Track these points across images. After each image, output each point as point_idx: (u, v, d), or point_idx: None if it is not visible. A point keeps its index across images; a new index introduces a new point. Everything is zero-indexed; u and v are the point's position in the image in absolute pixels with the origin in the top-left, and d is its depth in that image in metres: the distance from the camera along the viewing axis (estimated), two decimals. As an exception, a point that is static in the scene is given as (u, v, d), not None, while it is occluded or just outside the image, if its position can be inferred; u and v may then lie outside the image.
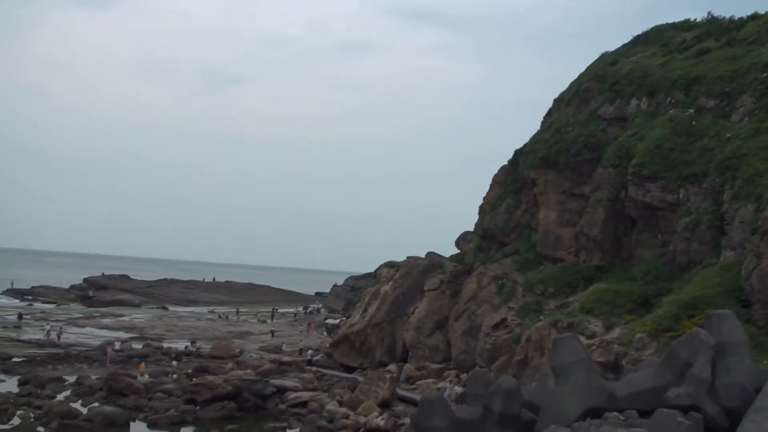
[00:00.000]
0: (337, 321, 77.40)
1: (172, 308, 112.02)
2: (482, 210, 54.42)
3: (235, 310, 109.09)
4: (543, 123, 55.12)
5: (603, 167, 44.51)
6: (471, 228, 56.82)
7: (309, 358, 56.62)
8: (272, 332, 79.39)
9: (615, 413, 19.69)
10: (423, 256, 57.11)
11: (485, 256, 51.75)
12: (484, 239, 53.40)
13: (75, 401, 39.96)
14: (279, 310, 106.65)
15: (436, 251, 57.98)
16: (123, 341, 63.77)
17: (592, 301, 38.04)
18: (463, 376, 42.97)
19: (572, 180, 47.08)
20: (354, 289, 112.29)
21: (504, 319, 43.48)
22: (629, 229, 43.17)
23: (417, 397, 37.12)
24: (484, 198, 54.98)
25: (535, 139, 51.70)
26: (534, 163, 48.99)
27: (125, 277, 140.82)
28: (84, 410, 37.34)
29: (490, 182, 55.47)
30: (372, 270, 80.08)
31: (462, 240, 59.39)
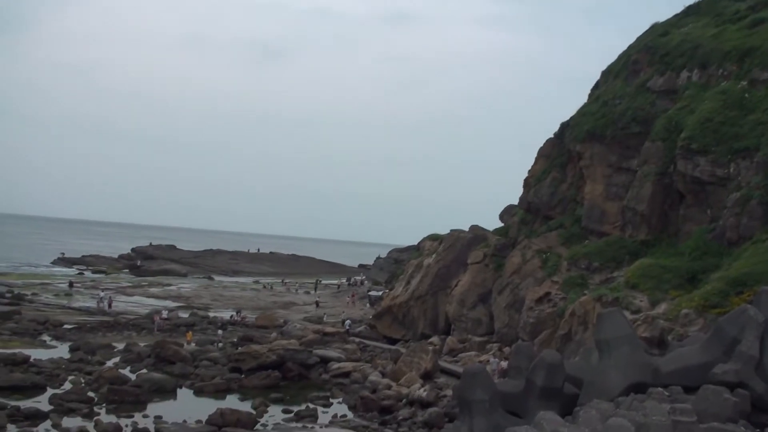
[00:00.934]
0: (380, 293, 77.80)
1: (217, 278, 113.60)
2: (527, 183, 53.89)
3: (280, 280, 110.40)
4: (590, 95, 54.24)
5: (651, 141, 43.70)
6: (516, 202, 56.42)
7: (347, 328, 57.11)
8: (317, 303, 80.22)
9: (659, 389, 19.49)
10: (467, 229, 56.95)
11: (529, 229, 51.37)
12: (529, 213, 52.97)
13: (124, 367, 40.92)
14: (323, 282, 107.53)
15: (480, 225, 57.81)
16: (170, 310, 65.01)
17: (638, 276, 37.49)
18: (506, 349, 42.93)
19: (619, 153, 46.31)
20: (397, 261, 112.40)
21: (548, 293, 43.22)
22: (677, 204, 42.39)
23: (459, 369, 37.27)
24: (529, 171, 54.41)
25: (582, 112, 50.92)
26: (581, 137, 48.30)
27: (172, 248, 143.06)
28: (132, 376, 38.23)
29: (535, 155, 54.92)
30: (415, 243, 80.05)
31: (506, 213, 58.99)
